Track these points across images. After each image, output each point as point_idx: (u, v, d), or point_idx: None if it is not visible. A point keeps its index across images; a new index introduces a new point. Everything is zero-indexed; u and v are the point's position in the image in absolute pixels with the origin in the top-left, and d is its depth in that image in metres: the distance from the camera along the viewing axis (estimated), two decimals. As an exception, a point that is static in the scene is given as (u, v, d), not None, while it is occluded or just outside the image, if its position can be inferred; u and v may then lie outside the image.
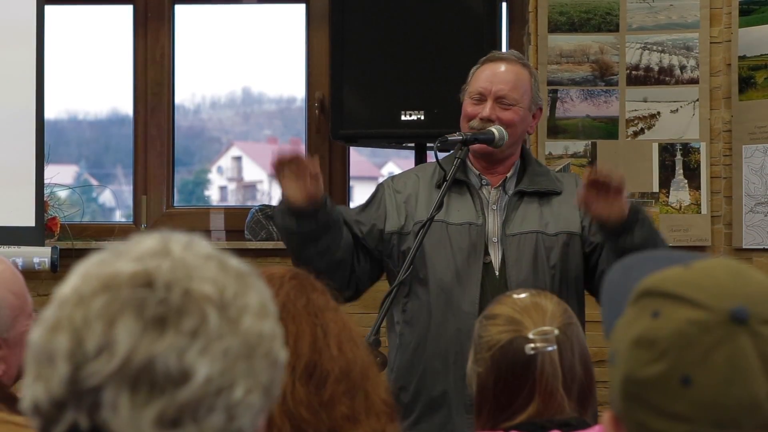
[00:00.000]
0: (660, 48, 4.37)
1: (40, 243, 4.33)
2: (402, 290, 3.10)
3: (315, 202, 3.02)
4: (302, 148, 3.04)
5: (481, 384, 2.07)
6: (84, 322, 1.11)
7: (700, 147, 4.32)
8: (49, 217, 4.51)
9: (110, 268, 1.16)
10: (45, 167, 4.38)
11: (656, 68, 4.37)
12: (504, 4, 4.59)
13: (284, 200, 3.06)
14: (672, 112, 4.35)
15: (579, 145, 4.38)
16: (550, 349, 2.02)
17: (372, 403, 1.75)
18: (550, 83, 4.39)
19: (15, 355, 2.29)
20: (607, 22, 4.40)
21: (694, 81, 4.34)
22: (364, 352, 1.79)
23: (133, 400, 1.09)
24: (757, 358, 1.15)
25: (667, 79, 4.36)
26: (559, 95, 4.39)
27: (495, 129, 3.15)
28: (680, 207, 4.32)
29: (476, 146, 3.16)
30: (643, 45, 4.38)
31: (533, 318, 2.05)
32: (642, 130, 4.36)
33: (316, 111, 4.74)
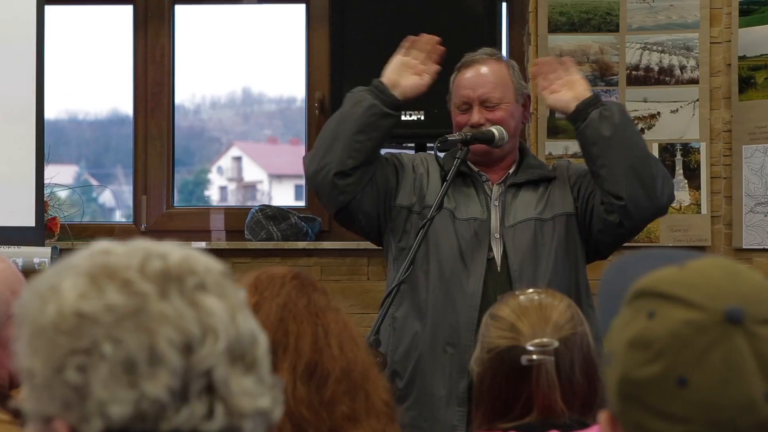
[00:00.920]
0: (660, 48, 4.37)
1: (40, 243, 4.33)
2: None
3: (403, 103, 3.17)
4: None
5: (478, 383, 2.08)
6: (176, 312, 1.14)
7: (700, 147, 4.32)
8: (49, 217, 4.51)
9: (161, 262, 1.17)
10: (45, 167, 4.39)
11: (656, 68, 4.37)
12: (504, 5, 4.59)
13: (389, 84, 3.15)
14: (672, 112, 4.35)
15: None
16: (548, 361, 2.00)
17: (372, 404, 1.75)
18: (550, 83, 4.39)
19: (8, 355, 2.28)
20: (607, 23, 4.40)
21: (694, 81, 4.34)
22: (365, 353, 1.79)
23: (233, 372, 1.14)
24: (752, 358, 1.15)
25: (667, 79, 4.36)
26: (559, 95, 4.39)
27: (495, 129, 3.15)
28: (680, 207, 4.32)
29: (476, 147, 3.17)
30: (643, 45, 4.38)
31: (534, 327, 2.03)
32: (642, 131, 4.36)
33: (316, 111, 4.73)
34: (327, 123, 3.22)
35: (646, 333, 1.18)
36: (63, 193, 4.79)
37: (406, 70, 3.19)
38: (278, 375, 1.70)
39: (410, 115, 4.15)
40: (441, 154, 3.17)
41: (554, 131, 4.40)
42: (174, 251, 1.17)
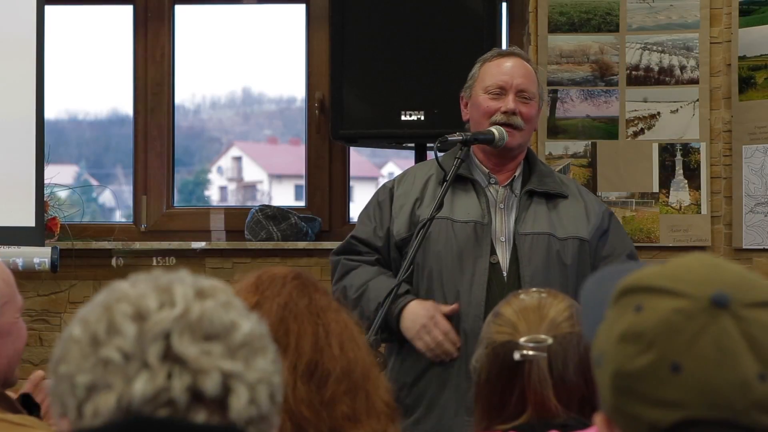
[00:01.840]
0: (660, 48, 4.37)
1: (40, 243, 4.33)
2: (410, 290, 3.11)
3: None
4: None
5: (476, 379, 2.09)
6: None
7: (700, 147, 4.32)
8: (49, 217, 4.51)
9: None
10: (45, 167, 4.39)
11: (656, 68, 4.37)
12: (504, 4, 4.59)
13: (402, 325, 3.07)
14: (672, 112, 4.35)
15: (579, 146, 4.38)
16: (540, 357, 2.00)
17: (373, 404, 1.75)
18: (550, 83, 4.39)
19: (3, 344, 2.28)
20: (607, 23, 4.40)
21: (694, 81, 4.34)
22: (366, 353, 1.79)
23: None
24: (742, 340, 1.17)
25: (667, 79, 4.36)
26: (559, 95, 4.39)
27: (495, 129, 3.14)
28: (680, 207, 4.32)
29: (486, 150, 3.16)
30: (643, 45, 4.38)
31: (530, 323, 2.04)
32: (642, 131, 4.36)
33: (316, 111, 4.74)
34: (354, 283, 3.16)
35: (636, 325, 1.20)
36: (63, 193, 4.79)
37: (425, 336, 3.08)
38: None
39: (410, 116, 4.15)
40: (441, 155, 3.16)
41: (554, 131, 4.40)
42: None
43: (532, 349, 2.00)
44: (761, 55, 4.24)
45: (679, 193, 4.32)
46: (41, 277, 4.51)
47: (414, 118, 4.14)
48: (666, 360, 1.17)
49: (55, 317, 4.58)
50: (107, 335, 1.16)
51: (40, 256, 4.29)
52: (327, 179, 4.78)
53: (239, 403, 1.14)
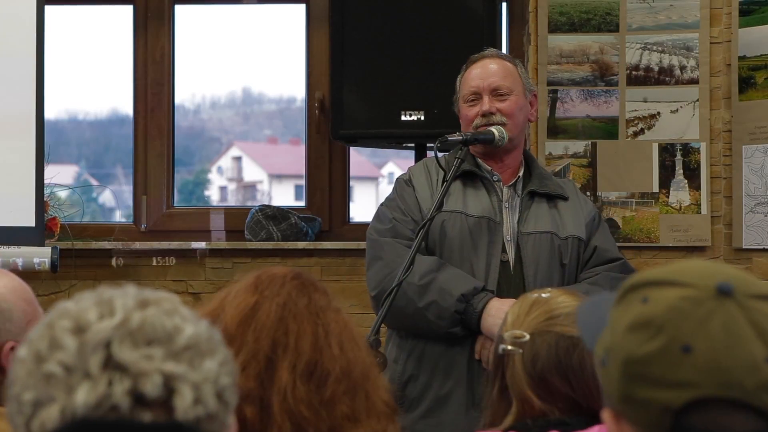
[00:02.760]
0: (660, 48, 4.37)
1: (40, 243, 4.33)
2: None
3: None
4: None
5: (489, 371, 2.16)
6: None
7: (700, 147, 4.32)
8: (49, 217, 4.51)
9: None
10: (45, 167, 4.38)
11: (656, 68, 4.37)
12: (504, 5, 4.59)
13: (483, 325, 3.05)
14: (672, 112, 4.35)
15: (579, 146, 4.38)
16: (516, 352, 2.04)
17: (373, 404, 1.75)
18: (550, 83, 4.39)
19: None
20: (607, 23, 4.40)
21: (694, 81, 4.34)
22: (366, 353, 1.79)
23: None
24: (749, 326, 1.21)
25: (667, 79, 4.36)
26: (559, 95, 4.39)
27: (495, 129, 3.16)
28: (680, 207, 4.32)
29: (479, 147, 3.18)
30: (643, 45, 4.38)
31: (515, 319, 2.09)
32: (642, 131, 4.36)
33: (316, 111, 4.74)
34: (412, 295, 3.09)
35: (644, 314, 1.24)
36: (63, 193, 4.79)
37: None
38: (278, 374, 1.70)
39: (410, 116, 4.15)
40: (441, 155, 3.16)
41: (554, 131, 4.40)
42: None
43: (510, 343, 2.05)
44: (761, 55, 4.24)
45: (679, 193, 4.32)
46: (41, 277, 4.51)
47: (414, 118, 4.14)
48: (676, 342, 1.21)
49: (55, 317, 4.57)
50: (49, 350, 1.19)
51: (40, 256, 4.29)
52: (327, 179, 4.78)
53: (184, 403, 1.17)
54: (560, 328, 2.07)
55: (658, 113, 4.36)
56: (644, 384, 1.21)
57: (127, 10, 4.87)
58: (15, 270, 4.30)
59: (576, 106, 4.39)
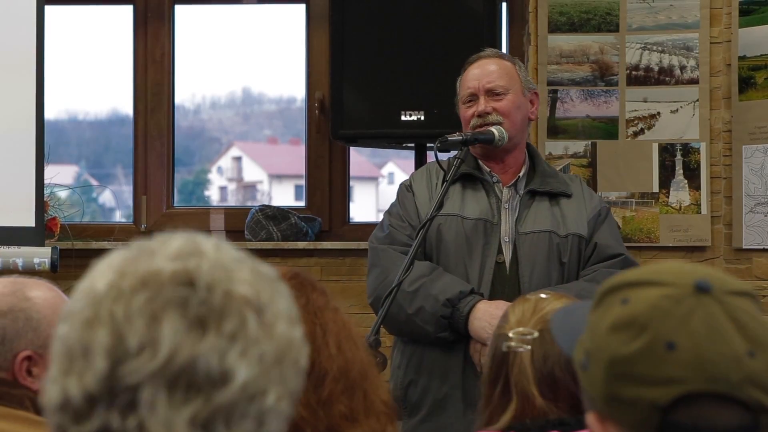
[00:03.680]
0: (660, 48, 4.37)
1: (40, 243, 4.33)
2: None
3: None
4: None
5: (483, 371, 2.14)
6: (125, 318, 1.09)
7: (700, 147, 4.32)
8: (49, 217, 4.51)
9: (148, 264, 1.12)
10: (45, 167, 4.38)
11: (656, 68, 4.37)
12: (504, 4, 4.59)
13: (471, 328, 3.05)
14: (672, 112, 4.35)
15: (579, 146, 4.38)
16: (521, 350, 2.03)
17: (371, 403, 1.75)
18: (550, 83, 4.39)
19: None
20: (607, 23, 4.40)
21: (694, 81, 4.34)
22: (364, 353, 1.79)
23: (170, 400, 1.07)
24: (729, 322, 1.22)
25: (667, 79, 4.36)
26: (559, 95, 4.39)
27: (495, 129, 3.16)
28: (680, 207, 4.32)
29: (478, 147, 3.17)
30: (643, 45, 4.38)
31: (519, 317, 2.08)
32: (642, 131, 4.36)
33: (316, 111, 4.73)
34: (404, 301, 3.09)
35: (626, 315, 1.25)
36: (63, 193, 4.79)
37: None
38: None
39: (410, 116, 4.15)
40: (441, 155, 3.16)
41: (554, 131, 4.40)
42: (203, 253, 1.15)
43: (517, 341, 2.04)
44: (761, 55, 4.23)
45: (679, 193, 4.32)
46: (41, 277, 4.50)
47: (414, 118, 4.15)
48: (660, 340, 1.22)
49: (55, 317, 4.58)
50: (83, 361, 1.10)
51: (40, 256, 4.29)
52: (327, 179, 4.78)
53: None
54: None
55: (658, 113, 4.36)
56: (630, 383, 1.22)
57: (127, 10, 4.87)
58: (15, 270, 4.31)
59: (576, 106, 4.39)
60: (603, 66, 4.39)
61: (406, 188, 3.25)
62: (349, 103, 4.19)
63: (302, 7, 4.84)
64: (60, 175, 4.77)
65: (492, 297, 3.06)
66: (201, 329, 1.09)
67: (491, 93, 3.19)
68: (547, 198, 3.20)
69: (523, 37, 4.56)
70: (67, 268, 4.48)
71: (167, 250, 1.14)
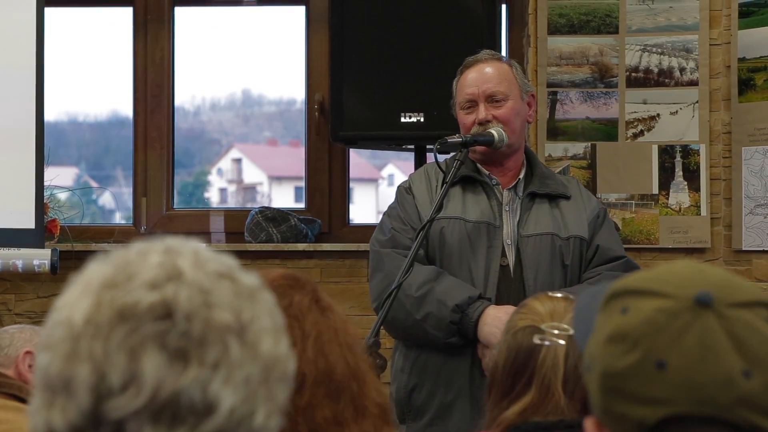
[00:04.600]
0: (659, 50, 4.37)
1: (40, 245, 4.33)
2: None
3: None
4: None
5: (493, 365, 2.11)
6: (105, 355, 1.08)
7: (699, 149, 4.32)
8: (49, 219, 4.51)
9: (125, 296, 1.11)
10: (45, 169, 4.38)
11: (656, 70, 4.37)
12: (504, 6, 4.59)
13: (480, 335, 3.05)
14: (671, 114, 4.35)
15: (578, 147, 4.38)
16: (557, 344, 2.02)
17: (362, 406, 1.71)
18: (549, 85, 4.39)
19: None
20: (607, 24, 4.40)
21: (693, 83, 4.34)
22: (353, 355, 1.75)
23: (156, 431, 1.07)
24: (726, 338, 1.19)
25: (666, 81, 4.36)
26: (558, 97, 4.39)
27: (494, 131, 3.15)
28: (680, 209, 4.32)
29: (478, 150, 3.17)
30: (642, 47, 4.38)
31: (554, 315, 2.06)
32: (641, 132, 4.36)
33: (316, 113, 4.74)
34: (408, 304, 3.08)
35: (622, 326, 1.22)
36: (63, 195, 4.79)
37: None
38: None
39: (410, 117, 4.15)
40: (440, 157, 3.16)
41: (554, 133, 4.40)
42: (184, 273, 1.13)
43: (552, 335, 2.02)
44: (761, 56, 4.24)
45: (679, 195, 4.32)
46: (41, 278, 4.51)
47: (414, 119, 4.15)
48: (651, 358, 1.20)
49: (55, 319, 4.57)
50: (64, 395, 1.10)
51: (40, 257, 4.29)
52: (327, 181, 4.78)
53: None
54: None
55: (658, 115, 4.36)
56: (620, 398, 1.21)
57: (127, 12, 4.87)
58: (15, 272, 4.31)
59: (575, 108, 4.39)
60: (602, 68, 4.39)
61: (405, 190, 3.24)
62: (348, 105, 4.19)
63: (302, 8, 4.84)
64: (60, 177, 4.77)
65: (498, 300, 3.05)
66: (183, 361, 1.08)
67: (491, 99, 3.17)
68: (547, 200, 3.19)
69: (522, 38, 4.56)
70: (67, 270, 4.48)
71: (144, 275, 1.13)
